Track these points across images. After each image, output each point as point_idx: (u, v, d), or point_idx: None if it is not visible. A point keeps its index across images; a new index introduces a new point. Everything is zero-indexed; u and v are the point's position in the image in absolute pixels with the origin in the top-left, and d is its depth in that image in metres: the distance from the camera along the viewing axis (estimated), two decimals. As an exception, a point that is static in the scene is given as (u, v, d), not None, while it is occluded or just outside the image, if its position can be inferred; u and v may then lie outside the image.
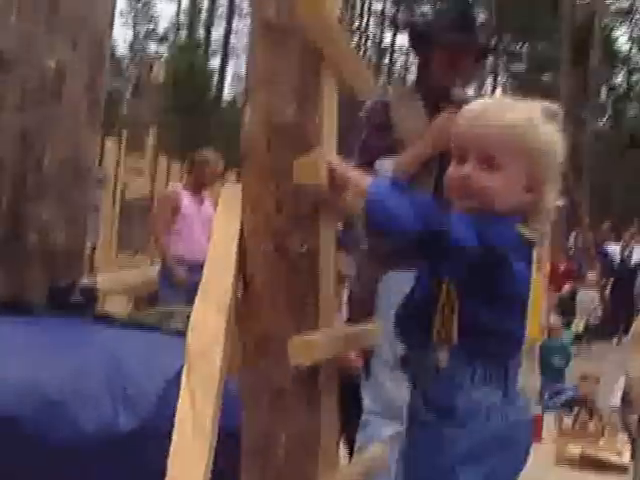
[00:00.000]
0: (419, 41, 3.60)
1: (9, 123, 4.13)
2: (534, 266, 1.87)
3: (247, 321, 1.83)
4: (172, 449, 1.65)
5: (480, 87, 37.04)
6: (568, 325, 15.19)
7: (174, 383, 2.82)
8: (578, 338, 15.10)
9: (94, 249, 9.23)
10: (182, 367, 2.52)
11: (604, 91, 36.34)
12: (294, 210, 1.81)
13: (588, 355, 13.07)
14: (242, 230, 1.85)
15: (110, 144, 9.38)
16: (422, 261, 1.86)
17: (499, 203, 1.81)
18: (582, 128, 28.10)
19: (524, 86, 36.75)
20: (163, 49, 36.44)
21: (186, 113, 25.42)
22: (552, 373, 9.54)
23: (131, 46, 33.87)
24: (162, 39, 37.96)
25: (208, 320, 1.75)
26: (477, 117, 1.86)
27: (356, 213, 1.76)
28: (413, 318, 1.88)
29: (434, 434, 1.81)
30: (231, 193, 1.89)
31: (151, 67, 8.06)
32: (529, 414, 1.95)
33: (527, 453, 1.93)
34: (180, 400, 1.70)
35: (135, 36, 36.73)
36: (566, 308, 15.48)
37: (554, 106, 1.90)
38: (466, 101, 3.07)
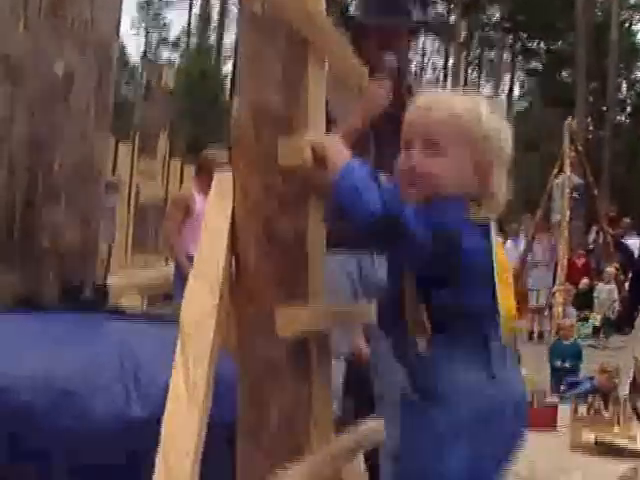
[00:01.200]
0: (346, 20, 3.58)
1: (19, 128, 4.23)
2: (496, 244, 1.94)
3: (241, 299, 1.92)
4: (165, 420, 1.73)
5: (497, 85, 37.00)
6: (585, 319, 15.17)
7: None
8: (596, 332, 15.08)
9: (110, 251, 9.35)
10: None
11: (624, 86, 36.10)
12: (282, 194, 1.89)
13: (606, 348, 13.05)
14: (234, 214, 1.93)
15: (124, 149, 9.50)
16: (375, 247, 1.94)
17: (444, 187, 1.89)
18: (602, 124, 28.02)
19: (542, 83, 36.70)
20: (176, 55, 36.64)
21: (198, 117, 25.58)
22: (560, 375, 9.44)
23: (144, 54, 34.05)
24: (174, 45, 38.13)
25: (201, 296, 1.84)
26: (423, 105, 1.96)
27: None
28: (388, 309, 1.97)
29: (419, 414, 1.89)
30: (223, 179, 1.97)
31: (161, 73, 8.18)
32: (519, 396, 1.98)
33: (518, 435, 1.97)
34: (174, 372, 1.79)
35: (147, 44, 36.93)
36: (584, 303, 15.47)
37: (498, 99, 1.99)
38: (396, 70, 3.12)
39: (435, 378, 1.86)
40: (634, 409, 6.73)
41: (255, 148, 1.91)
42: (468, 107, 1.93)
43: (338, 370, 2.96)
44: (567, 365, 9.55)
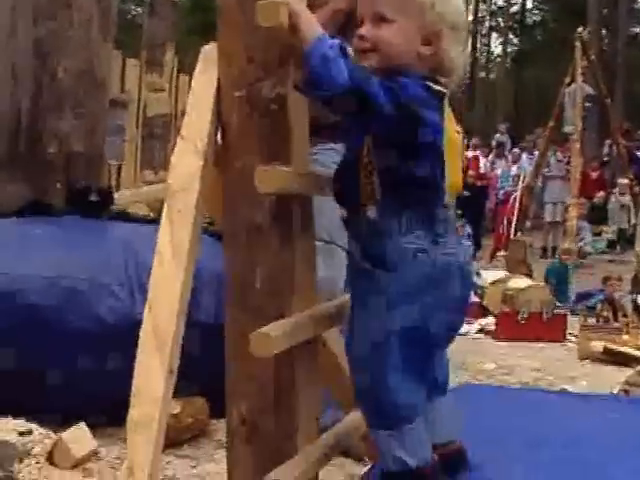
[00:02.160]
0: None
1: (22, 37, 4.23)
2: (447, 117, 1.96)
3: (225, 162, 1.99)
4: (152, 278, 1.82)
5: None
6: (599, 234, 15.20)
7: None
8: (611, 245, 15.11)
9: (120, 168, 9.37)
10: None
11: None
12: (264, 60, 1.94)
13: (622, 262, 13.07)
14: (219, 83, 2.00)
15: (131, 65, 9.45)
16: (342, 115, 1.97)
17: (396, 55, 1.91)
18: (615, 34, 27.58)
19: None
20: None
21: (207, 32, 25.28)
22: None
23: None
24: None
25: (186, 159, 1.91)
26: None
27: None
28: (344, 179, 2.00)
29: (369, 280, 1.94)
30: (209, 50, 2.04)
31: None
32: (463, 260, 2.02)
33: (464, 300, 2.04)
34: (160, 232, 1.86)
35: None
36: (599, 216, 15.46)
37: None
38: None
39: (384, 244, 1.91)
40: (636, 306, 6.79)
41: (238, 15, 1.96)
42: None
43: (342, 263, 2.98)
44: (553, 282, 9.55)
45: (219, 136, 2.02)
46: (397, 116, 1.82)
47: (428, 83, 1.89)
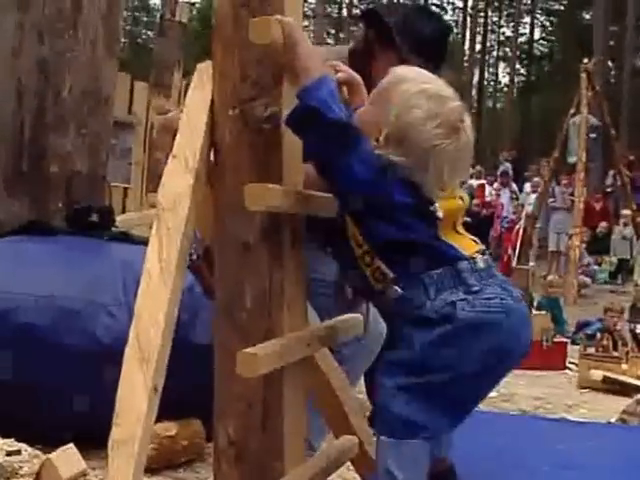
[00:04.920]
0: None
1: (28, 55, 4.26)
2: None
3: (217, 180, 1.99)
4: (139, 294, 1.82)
5: (516, 25, 36.51)
6: (600, 264, 15.14)
7: (189, 293, 2.97)
8: (613, 276, 15.06)
9: (126, 190, 9.38)
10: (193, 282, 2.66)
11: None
12: (257, 78, 1.95)
13: (623, 293, 13.03)
14: (213, 101, 2.00)
15: (139, 88, 9.48)
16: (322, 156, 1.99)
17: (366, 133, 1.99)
18: (621, 65, 27.66)
19: (562, 24, 36.12)
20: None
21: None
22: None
23: (163, -6, 33.80)
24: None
25: (177, 178, 1.91)
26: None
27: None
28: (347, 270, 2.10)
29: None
30: (204, 67, 2.05)
31: (174, 8, 8.10)
32: (505, 301, 2.01)
33: (515, 334, 2.03)
34: (149, 249, 1.86)
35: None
36: (602, 247, 15.43)
37: (462, 105, 2.04)
38: None
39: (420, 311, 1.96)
40: (634, 335, 6.76)
41: (232, 34, 1.97)
42: (412, 86, 2.00)
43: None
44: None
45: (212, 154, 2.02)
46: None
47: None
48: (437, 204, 1.98)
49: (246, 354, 1.76)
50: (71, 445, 2.88)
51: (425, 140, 1.95)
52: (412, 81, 2.01)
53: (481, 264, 2.00)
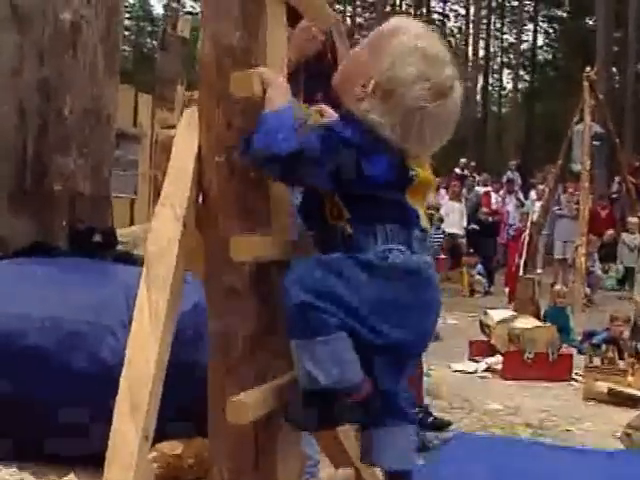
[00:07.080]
0: None
1: (29, 76, 4.28)
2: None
3: (205, 228, 2.00)
4: (129, 342, 1.83)
5: (519, 33, 36.52)
6: (606, 272, 15.13)
7: (191, 314, 2.97)
8: (621, 283, 15.04)
9: (133, 202, 9.41)
10: (198, 300, 2.67)
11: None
12: (243, 125, 1.96)
13: (631, 300, 12.99)
14: (200, 148, 2.02)
15: (143, 100, 9.53)
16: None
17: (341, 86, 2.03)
18: (624, 71, 27.64)
19: (565, 31, 36.11)
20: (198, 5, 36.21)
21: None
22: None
23: (166, 6, 33.85)
24: (197, -5, 37.60)
25: (166, 225, 1.93)
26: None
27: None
28: (309, 205, 2.06)
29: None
30: (191, 114, 2.06)
31: (175, 22, 8.13)
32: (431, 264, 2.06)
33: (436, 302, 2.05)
34: (138, 296, 1.88)
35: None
36: (609, 254, 15.41)
37: (456, 72, 2.03)
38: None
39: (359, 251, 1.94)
40: (636, 351, 6.76)
41: (217, 83, 1.98)
42: (411, 41, 1.98)
43: None
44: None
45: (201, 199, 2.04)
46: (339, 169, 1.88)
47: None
48: (416, 171, 1.97)
49: (236, 402, 1.78)
50: (71, 475, 2.88)
51: (412, 99, 1.94)
52: (412, 35, 1.98)
53: (425, 239, 2.04)
